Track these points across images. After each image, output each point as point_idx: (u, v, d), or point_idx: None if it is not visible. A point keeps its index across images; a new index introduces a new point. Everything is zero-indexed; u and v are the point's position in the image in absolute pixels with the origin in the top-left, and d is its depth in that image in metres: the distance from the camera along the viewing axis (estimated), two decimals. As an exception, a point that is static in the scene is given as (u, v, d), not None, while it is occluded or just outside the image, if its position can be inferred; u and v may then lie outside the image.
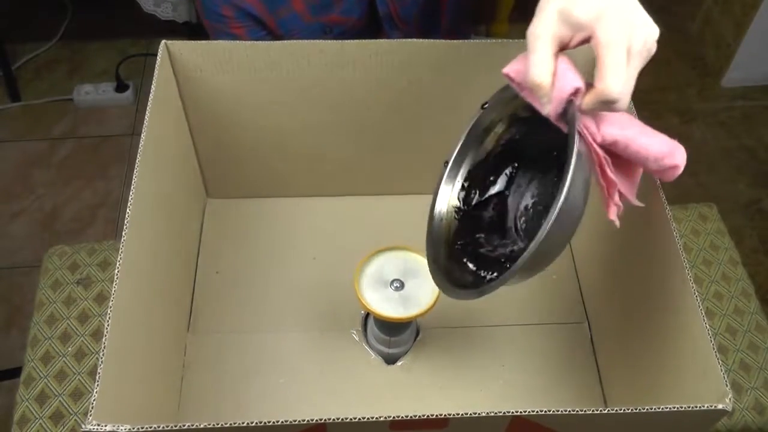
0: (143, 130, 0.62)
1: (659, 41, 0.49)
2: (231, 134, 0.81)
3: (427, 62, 0.73)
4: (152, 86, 0.66)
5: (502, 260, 0.60)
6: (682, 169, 0.52)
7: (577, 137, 0.47)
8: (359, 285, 0.66)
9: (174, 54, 0.71)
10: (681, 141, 0.52)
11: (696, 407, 0.49)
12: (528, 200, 0.63)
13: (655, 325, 0.65)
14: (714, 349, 0.53)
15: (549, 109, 0.49)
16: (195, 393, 0.74)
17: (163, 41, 0.70)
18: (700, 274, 0.96)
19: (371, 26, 0.94)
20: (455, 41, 0.72)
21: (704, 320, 0.55)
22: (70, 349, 0.86)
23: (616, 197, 0.51)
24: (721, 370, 0.52)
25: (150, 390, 0.63)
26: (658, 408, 0.49)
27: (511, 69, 0.53)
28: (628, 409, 0.49)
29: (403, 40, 0.71)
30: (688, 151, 0.52)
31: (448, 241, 0.64)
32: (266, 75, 0.74)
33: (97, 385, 0.48)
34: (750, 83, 1.92)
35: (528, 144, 0.61)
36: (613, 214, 0.51)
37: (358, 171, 0.88)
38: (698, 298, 0.56)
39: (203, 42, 0.71)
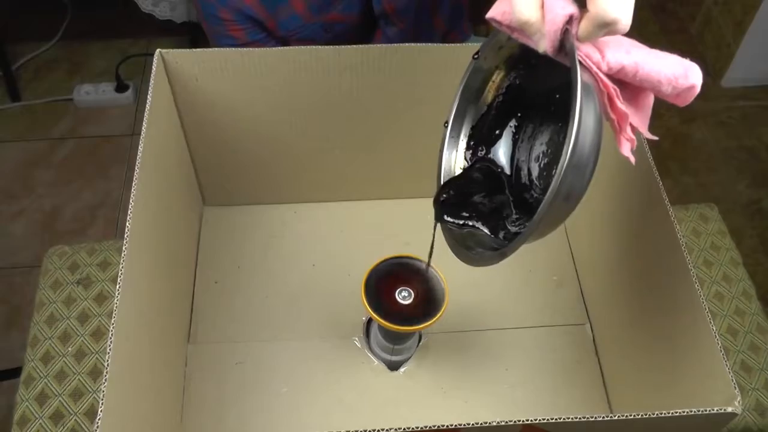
0: (140, 141, 0.61)
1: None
2: (228, 142, 0.81)
3: (425, 66, 0.73)
4: (148, 96, 0.65)
5: (504, 215, 0.56)
6: (698, 89, 0.45)
7: (579, 68, 0.42)
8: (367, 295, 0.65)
9: (169, 63, 0.70)
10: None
11: (705, 411, 0.49)
12: (538, 149, 0.58)
13: (658, 327, 0.64)
14: (721, 351, 0.53)
15: (544, 45, 0.44)
16: (197, 404, 0.74)
17: (158, 50, 0.69)
18: (701, 275, 0.96)
19: (369, 23, 0.93)
20: (453, 45, 0.71)
21: (710, 322, 0.55)
22: (70, 349, 0.85)
23: (629, 131, 0.46)
24: (729, 372, 0.52)
25: (153, 404, 0.63)
26: (668, 413, 0.49)
27: (496, 12, 0.47)
28: (638, 415, 0.48)
29: (401, 44, 0.71)
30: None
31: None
32: (263, 82, 0.73)
33: (102, 402, 0.48)
34: (750, 83, 1.92)
35: (530, 88, 0.56)
36: (626, 150, 0.46)
37: (356, 176, 0.88)
38: (704, 299, 0.56)
39: (199, 50, 0.70)
